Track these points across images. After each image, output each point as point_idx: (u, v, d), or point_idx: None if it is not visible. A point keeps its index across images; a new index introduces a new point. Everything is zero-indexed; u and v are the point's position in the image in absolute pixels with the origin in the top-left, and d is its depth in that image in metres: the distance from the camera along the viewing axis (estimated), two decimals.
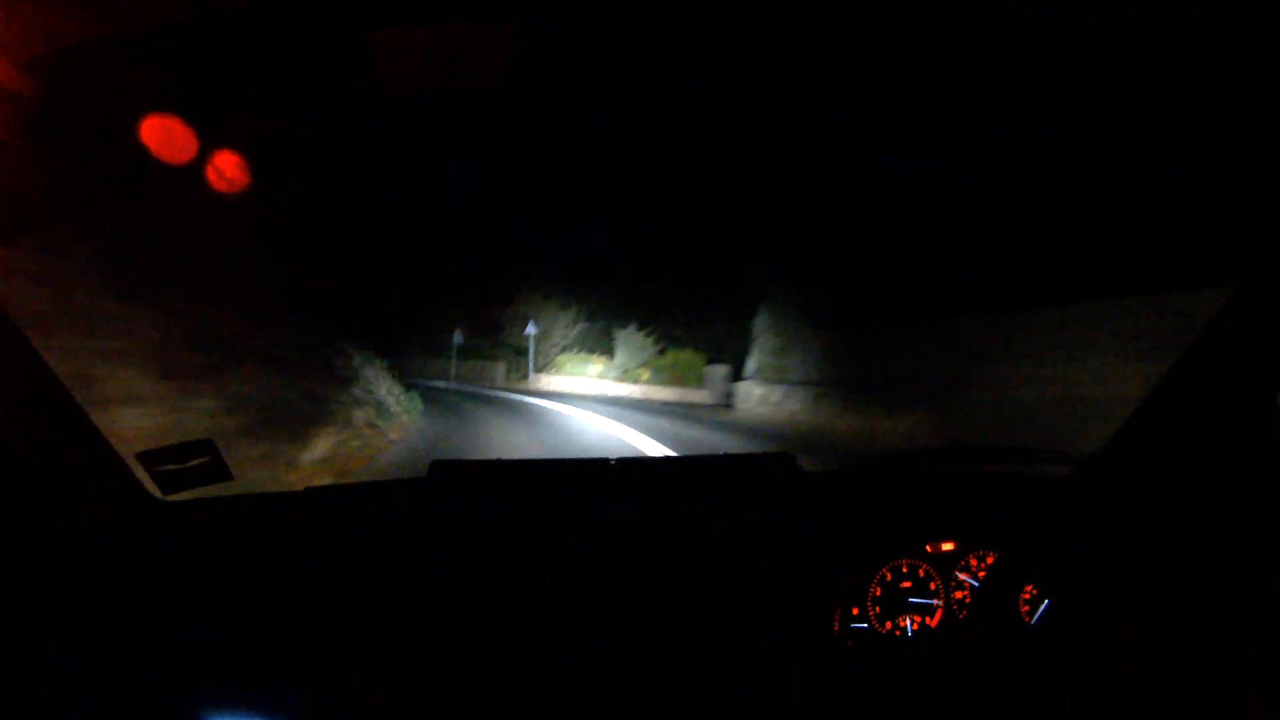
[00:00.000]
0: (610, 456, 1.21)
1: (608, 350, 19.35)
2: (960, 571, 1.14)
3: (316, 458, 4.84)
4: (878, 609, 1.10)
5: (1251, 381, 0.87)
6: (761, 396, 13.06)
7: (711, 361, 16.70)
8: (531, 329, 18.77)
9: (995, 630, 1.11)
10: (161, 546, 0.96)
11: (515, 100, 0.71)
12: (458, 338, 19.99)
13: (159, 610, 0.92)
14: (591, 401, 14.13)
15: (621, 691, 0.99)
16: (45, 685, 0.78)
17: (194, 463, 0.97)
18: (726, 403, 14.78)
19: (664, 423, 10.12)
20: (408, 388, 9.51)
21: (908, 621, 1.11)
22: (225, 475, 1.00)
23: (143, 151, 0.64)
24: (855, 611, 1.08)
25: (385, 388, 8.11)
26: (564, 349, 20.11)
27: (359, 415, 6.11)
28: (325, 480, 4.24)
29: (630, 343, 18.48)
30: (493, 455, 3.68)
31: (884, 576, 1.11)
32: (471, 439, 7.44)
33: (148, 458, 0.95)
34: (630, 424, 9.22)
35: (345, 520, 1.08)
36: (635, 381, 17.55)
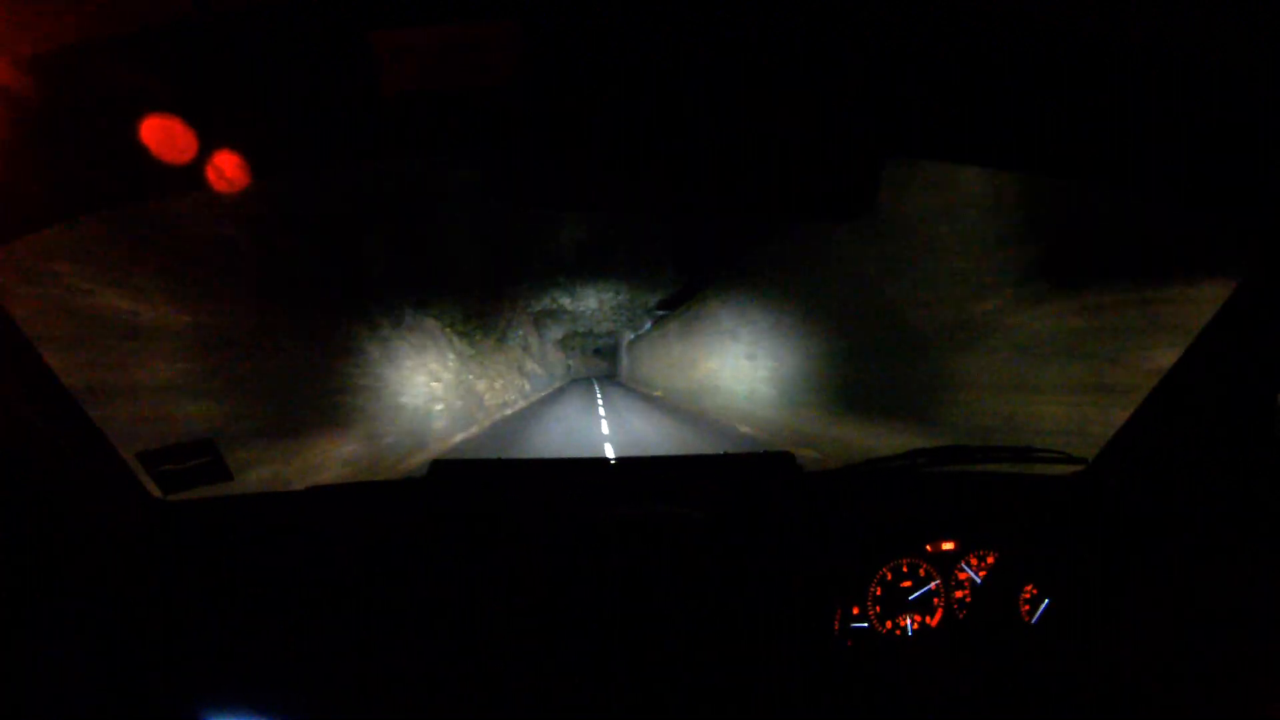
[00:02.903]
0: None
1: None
2: (960, 571, 1.14)
3: None
4: (878, 609, 1.10)
5: (1251, 381, 0.87)
6: None
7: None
8: None
9: (995, 630, 1.11)
10: (161, 546, 0.96)
11: (516, 100, 0.71)
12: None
13: (159, 610, 0.92)
14: None
15: (621, 691, 0.99)
16: (45, 685, 0.78)
17: (194, 463, 0.98)
18: None
19: None
20: None
21: (908, 621, 1.11)
22: (225, 475, 1.00)
23: (143, 151, 0.64)
24: (855, 611, 1.08)
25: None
26: None
27: None
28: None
29: None
30: None
31: (884, 576, 1.11)
32: None
33: (148, 458, 0.95)
34: None
35: (346, 519, 1.08)
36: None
